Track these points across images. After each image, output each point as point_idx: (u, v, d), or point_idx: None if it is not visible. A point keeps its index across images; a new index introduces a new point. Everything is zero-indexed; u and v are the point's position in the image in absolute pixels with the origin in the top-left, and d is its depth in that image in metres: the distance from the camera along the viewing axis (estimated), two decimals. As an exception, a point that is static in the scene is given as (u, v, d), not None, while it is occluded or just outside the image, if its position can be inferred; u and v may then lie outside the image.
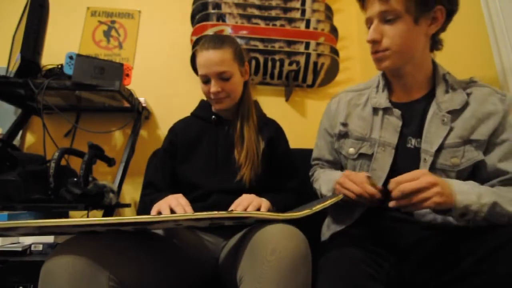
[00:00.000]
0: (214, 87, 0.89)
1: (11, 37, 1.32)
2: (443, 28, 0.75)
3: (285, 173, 0.96)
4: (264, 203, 0.74)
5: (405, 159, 0.76)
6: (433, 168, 0.72)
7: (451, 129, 0.72)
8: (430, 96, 0.78)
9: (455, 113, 0.73)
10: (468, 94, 0.75)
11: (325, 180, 0.85)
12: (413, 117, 0.78)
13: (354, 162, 0.84)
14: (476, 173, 0.72)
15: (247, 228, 0.69)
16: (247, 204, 0.70)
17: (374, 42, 0.74)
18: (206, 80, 0.90)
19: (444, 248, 0.63)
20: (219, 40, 0.91)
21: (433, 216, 0.71)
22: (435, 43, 0.78)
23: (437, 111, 0.74)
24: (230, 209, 0.71)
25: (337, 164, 0.93)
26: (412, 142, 0.76)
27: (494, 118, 0.71)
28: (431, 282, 0.61)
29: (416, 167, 0.73)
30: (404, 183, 0.58)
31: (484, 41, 1.00)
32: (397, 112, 0.78)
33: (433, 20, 0.72)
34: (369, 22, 0.75)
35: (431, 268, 0.62)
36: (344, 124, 0.87)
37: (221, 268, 0.79)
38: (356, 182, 0.69)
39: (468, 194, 0.60)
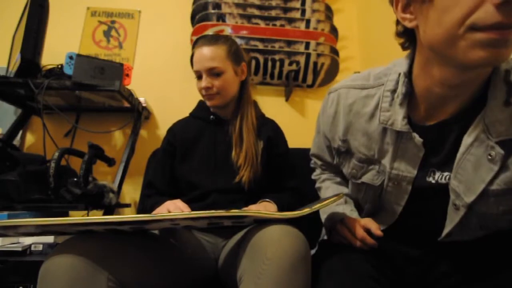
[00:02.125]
0: (204, 82, 0.90)
1: (11, 37, 1.32)
2: None
3: (284, 173, 0.96)
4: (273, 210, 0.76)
5: (423, 196, 0.56)
6: (469, 217, 0.51)
7: (501, 169, 0.46)
8: (473, 110, 0.49)
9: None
10: None
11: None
12: (442, 142, 0.54)
13: (358, 186, 0.67)
14: None
15: (247, 228, 0.69)
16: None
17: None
18: (199, 76, 0.93)
19: (447, 258, 0.60)
20: (213, 38, 0.93)
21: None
22: None
23: (483, 138, 0.47)
24: None
25: (338, 167, 0.78)
26: (436, 176, 0.54)
27: None
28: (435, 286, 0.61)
29: (440, 210, 0.55)
30: None
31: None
32: (417, 139, 0.54)
33: None
34: None
35: (435, 274, 0.61)
36: (344, 141, 0.67)
37: (221, 268, 0.79)
38: (356, 233, 0.62)
39: None
